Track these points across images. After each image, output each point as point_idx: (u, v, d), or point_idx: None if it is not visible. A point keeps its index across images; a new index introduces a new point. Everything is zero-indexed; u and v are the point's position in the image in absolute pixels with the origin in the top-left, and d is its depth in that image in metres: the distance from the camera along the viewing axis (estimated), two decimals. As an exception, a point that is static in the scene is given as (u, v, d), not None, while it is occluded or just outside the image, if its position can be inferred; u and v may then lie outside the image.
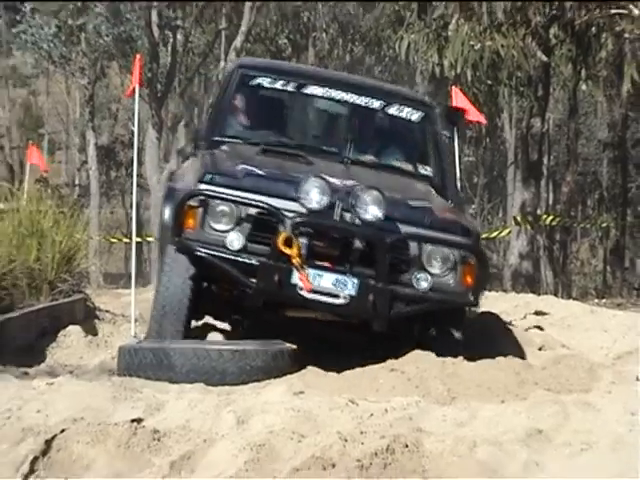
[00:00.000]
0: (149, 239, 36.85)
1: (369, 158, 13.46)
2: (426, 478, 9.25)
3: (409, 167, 13.68)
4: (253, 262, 11.28)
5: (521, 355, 15.36)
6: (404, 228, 11.46)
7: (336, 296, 11.01)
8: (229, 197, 11.53)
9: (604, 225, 38.17)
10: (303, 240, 11.26)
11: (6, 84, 45.80)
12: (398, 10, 47.23)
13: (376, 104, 13.68)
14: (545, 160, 41.59)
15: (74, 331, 18.11)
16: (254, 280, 11.31)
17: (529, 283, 36.70)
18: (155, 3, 39.43)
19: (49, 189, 24.21)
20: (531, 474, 9.55)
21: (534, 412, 11.28)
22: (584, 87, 36.50)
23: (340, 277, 11.06)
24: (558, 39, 29.66)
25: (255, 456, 9.74)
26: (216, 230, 11.46)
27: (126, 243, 35.71)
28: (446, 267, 11.51)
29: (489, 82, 34.05)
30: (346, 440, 9.91)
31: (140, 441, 10.20)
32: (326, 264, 11.39)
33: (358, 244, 11.28)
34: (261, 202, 11.41)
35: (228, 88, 14.27)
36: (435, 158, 13.47)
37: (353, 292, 10.97)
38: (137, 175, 22.90)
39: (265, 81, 13.93)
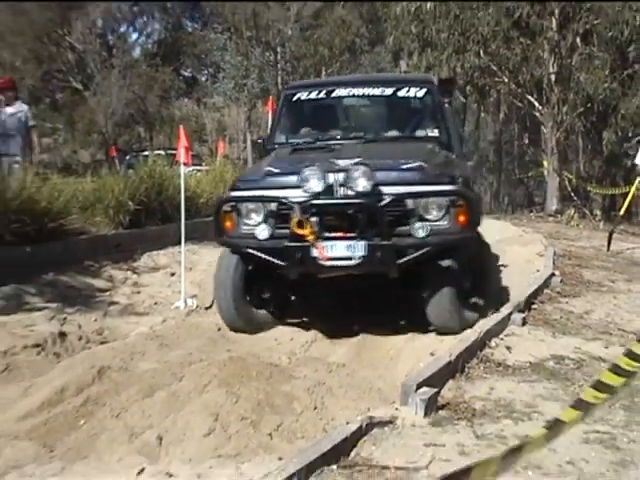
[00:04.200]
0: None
1: (387, 134, 10.41)
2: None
3: (420, 133, 10.47)
4: (278, 246, 8.56)
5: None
6: (396, 190, 8.39)
7: (350, 258, 8.33)
8: (250, 198, 8.83)
9: (490, 181, 37.55)
10: (315, 219, 8.42)
11: (210, 110, 45.35)
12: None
13: (388, 91, 10.72)
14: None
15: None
16: (283, 261, 8.63)
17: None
18: (280, 68, 39.25)
19: (229, 160, 24.11)
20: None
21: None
22: (482, 114, 35.96)
23: (351, 243, 8.36)
24: (470, 91, 29.22)
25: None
26: (248, 226, 8.77)
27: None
28: (440, 213, 8.39)
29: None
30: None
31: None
32: (339, 234, 8.46)
33: (359, 213, 8.40)
34: (271, 196, 8.71)
35: (278, 107, 11.62)
36: (439, 122, 10.44)
37: (363, 252, 8.31)
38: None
39: (303, 95, 11.11)
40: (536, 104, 27.12)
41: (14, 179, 11.47)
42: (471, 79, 27.28)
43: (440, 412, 5.80)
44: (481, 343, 7.50)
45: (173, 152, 17.65)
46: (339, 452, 4.90)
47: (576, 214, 22.82)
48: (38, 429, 5.93)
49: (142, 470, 5.01)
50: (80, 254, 11.48)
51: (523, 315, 8.64)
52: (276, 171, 8.98)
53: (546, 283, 10.31)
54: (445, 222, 8.35)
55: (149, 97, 40.25)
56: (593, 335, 8.43)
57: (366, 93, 10.87)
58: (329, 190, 8.36)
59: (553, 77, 26.28)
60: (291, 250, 8.42)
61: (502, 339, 7.89)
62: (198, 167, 21.89)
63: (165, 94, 41.22)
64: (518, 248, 13.21)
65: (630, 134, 26.72)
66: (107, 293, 10.54)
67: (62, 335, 8.25)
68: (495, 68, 26.85)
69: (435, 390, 5.93)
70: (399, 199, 8.29)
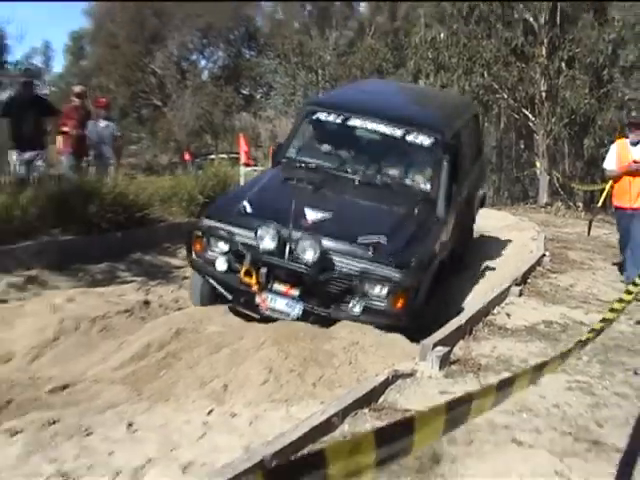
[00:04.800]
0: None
1: (378, 179, 8.56)
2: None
3: (413, 183, 8.62)
4: (230, 282, 7.38)
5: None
6: (342, 263, 7.03)
7: (288, 314, 7.03)
8: (215, 232, 7.52)
9: (493, 179, 36.95)
10: (264, 270, 7.20)
11: (264, 122, 44.96)
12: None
13: (398, 133, 8.76)
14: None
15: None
16: (231, 296, 7.49)
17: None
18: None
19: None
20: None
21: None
22: (486, 124, 35.72)
23: (290, 301, 7.08)
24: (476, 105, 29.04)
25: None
26: (213, 253, 7.49)
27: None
28: (381, 293, 6.94)
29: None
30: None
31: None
32: (284, 289, 7.17)
33: (302, 278, 7.10)
34: (231, 238, 7.41)
35: (297, 121, 10.09)
36: (436, 176, 8.52)
37: (299, 313, 7.02)
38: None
39: (322, 115, 9.26)
40: (530, 116, 27.16)
41: (109, 178, 11.61)
42: (477, 95, 27.19)
43: (452, 366, 5.84)
44: (485, 311, 7.54)
45: (234, 155, 17.64)
46: (370, 398, 4.94)
47: (562, 206, 22.73)
48: (129, 377, 6.01)
49: (211, 411, 5.07)
50: (160, 238, 11.56)
51: (520, 288, 8.66)
52: (248, 211, 7.50)
53: (538, 262, 10.29)
54: (384, 303, 6.93)
55: (215, 111, 40.31)
56: (576, 304, 8.48)
57: (377, 129, 8.97)
58: (281, 249, 7.10)
59: (543, 94, 26.43)
60: (238, 292, 7.35)
61: (503, 307, 7.93)
62: (255, 167, 21.94)
63: (227, 109, 41.22)
64: (516, 233, 13.14)
65: (606, 141, 26.73)
66: (182, 270, 10.56)
67: (146, 303, 8.33)
68: (496, 87, 26.87)
69: (448, 348, 5.96)
70: (341, 274, 7.02)
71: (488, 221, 13.46)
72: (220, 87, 40.38)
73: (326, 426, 4.38)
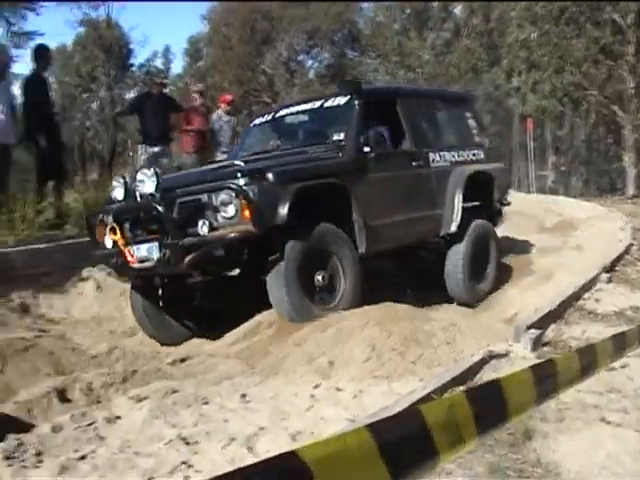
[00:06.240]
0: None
1: (296, 143, 8.46)
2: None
3: (328, 138, 7.97)
4: (112, 252, 6.89)
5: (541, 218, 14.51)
6: (188, 190, 6.52)
7: (151, 259, 6.48)
8: (105, 214, 7.06)
9: (581, 172, 36.40)
10: (127, 225, 6.77)
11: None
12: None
13: (317, 104, 8.52)
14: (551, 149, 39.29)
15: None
16: (114, 265, 7.15)
17: (553, 192, 34.33)
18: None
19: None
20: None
21: (548, 239, 11.01)
22: (577, 120, 34.97)
23: (149, 245, 6.50)
24: (566, 102, 28.53)
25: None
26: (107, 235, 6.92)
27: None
28: (228, 209, 6.21)
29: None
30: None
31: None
32: (145, 237, 6.71)
33: (149, 215, 6.59)
34: (104, 208, 7.17)
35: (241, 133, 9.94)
36: (347, 127, 7.82)
37: (158, 254, 6.40)
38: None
39: (257, 120, 9.42)
40: (618, 112, 26.59)
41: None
42: (568, 92, 26.79)
43: (544, 348, 5.75)
44: (576, 296, 7.42)
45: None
46: (466, 377, 4.88)
47: (650, 198, 22.24)
48: (243, 352, 6.12)
49: (318, 385, 5.08)
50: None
51: (609, 275, 8.48)
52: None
53: (626, 250, 10.10)
54: (232, 218, 6.23)
55: (320, 108, 40.58)
56: (664, 291, 8.24)
57: (300, 109, 8.89)
58: (132, 198, 6.67)
59: (632, 91, 25.83)
60: (113, 255, 6.90)
61: (592, 293, 7.77)
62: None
63: (332, 106, 41.39)
64: (605, 223, 12.92)
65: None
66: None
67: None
68: (586, 84, 26.34)
69: (541, 331, 5.87)
70: (188, 200, 6.45)
71: (579, 212, 13.29)
72: (325, 85, 40.55)
73: (425, 402, 4.34)
